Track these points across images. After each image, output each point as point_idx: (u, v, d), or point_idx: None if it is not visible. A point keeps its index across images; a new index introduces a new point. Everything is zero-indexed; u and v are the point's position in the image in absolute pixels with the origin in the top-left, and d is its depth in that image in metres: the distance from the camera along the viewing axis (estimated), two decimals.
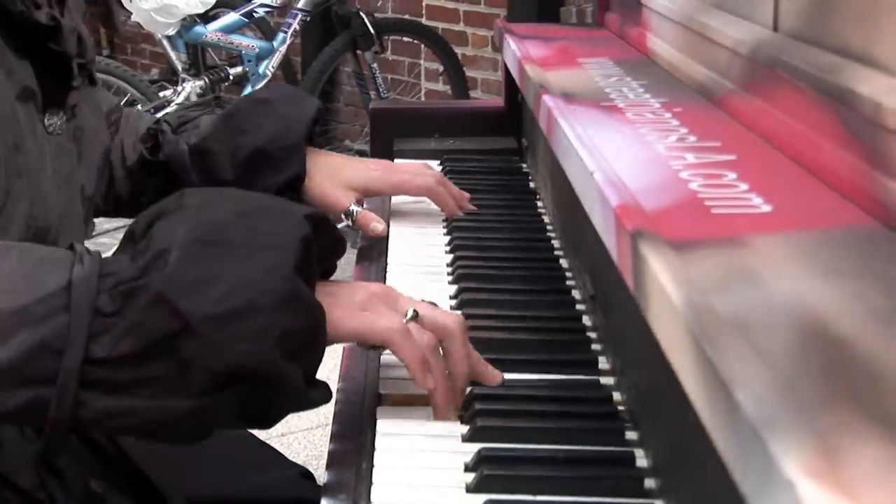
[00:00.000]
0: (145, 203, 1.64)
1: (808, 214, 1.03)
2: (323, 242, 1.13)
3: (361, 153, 5.65)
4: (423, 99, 5.72)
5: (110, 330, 1.02)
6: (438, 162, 2.17)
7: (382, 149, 2.26)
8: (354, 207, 1.70)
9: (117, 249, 1.12)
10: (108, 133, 1.62)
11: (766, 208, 1.04)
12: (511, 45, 2.05)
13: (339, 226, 1.70)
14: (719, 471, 0.70)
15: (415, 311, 1.16)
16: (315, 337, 1.07)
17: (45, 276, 1.04)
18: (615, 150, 1.25)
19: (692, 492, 0.95)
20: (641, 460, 1.11)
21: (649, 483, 1.07)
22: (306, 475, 1.69)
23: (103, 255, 1.10)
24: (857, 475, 0.57)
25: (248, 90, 5.24)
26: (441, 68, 5.45)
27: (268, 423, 1.09)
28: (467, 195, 1.84)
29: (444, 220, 1.79)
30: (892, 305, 0.81)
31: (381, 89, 5.38)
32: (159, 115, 2.08)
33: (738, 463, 0.65)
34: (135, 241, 1.09)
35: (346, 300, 1.15)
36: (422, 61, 5.72)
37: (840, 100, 1.09)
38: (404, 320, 1.15)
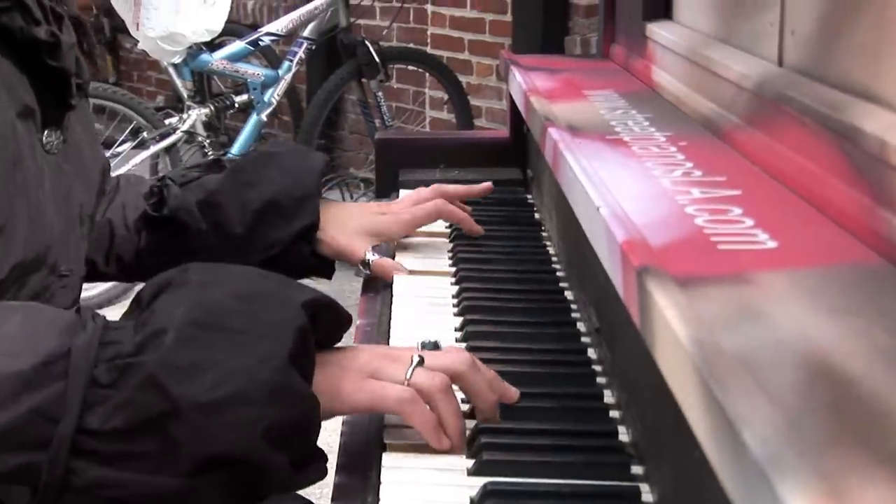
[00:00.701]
0: (149, 263, 1.66)
1: (813, 251, 1.03)
2: (326, 324, 1.14)
3: (366, 181, 5.66)
4: (427, 127, 5.74)
5: (105, 402, 1.02)
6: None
7: (387, 179, 2.27)
8: (370, 256, 1.70)
9: (125, 314, 1.14)
10: (101, 150, 1.61)
11: (772, 244, 1.03)
12: (517, 76, 2.05)
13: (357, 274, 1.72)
14: None
15: (420, 357, 1.15)
16: (306, 426, 1.08)
17: (46, 340, 1.05)
18: (621, 184, 1.25)
19: None
20: (647, 495, 1.10)
21: None
22: None
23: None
24: None
25: (253, 118, 5.25)
26: (446, 97, 5.46)
27: (257, 501, 1.10)
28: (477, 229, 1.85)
29: (449, 252, 1.79)
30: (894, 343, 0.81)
31: (385, 118, 5.39)
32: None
33: (745, 502, 0.65)
34: (138, 308, 1.11)
35: (352, 369, 1.14)
36: (426, 90, 5.73)
37: (845, 136, 1.09)
38: (410, 369, 1.14)
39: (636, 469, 1.15)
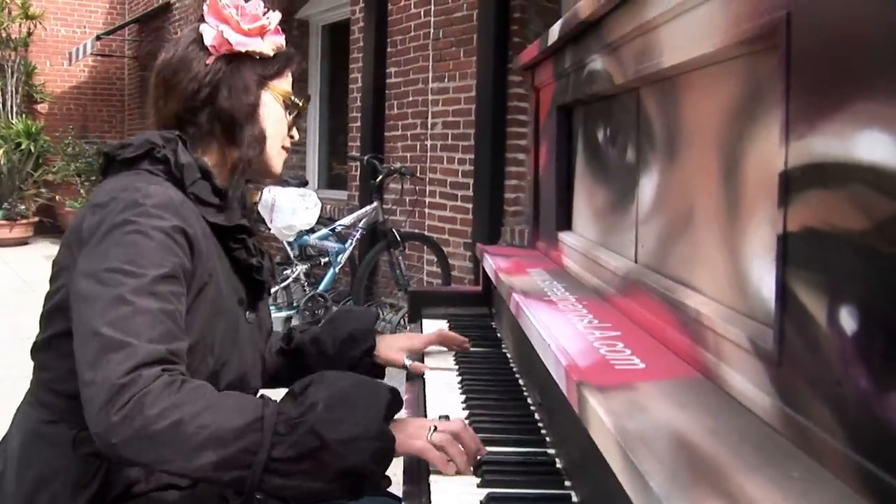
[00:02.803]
0: (283, 375, 1.64)
1: (665, 369, 1.03)
2: (395, 402, 1.15)
3: (390, 305, 5.67)
4: (424, 276, 5.74)
5: (283, 443, 1.05)
6: (446, 321, 2.15)
7: (416, 312, 2.24)
8: (407, 362, 1.68)
9: (283, 398, 1.13)
10: (270, 319, 1.60)
11: (642, 365, 1.04)
12: (489, 260, 2.05)
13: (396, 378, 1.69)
14: None
15: (434, 426, 1.17)
16: (390, 454, 1.10)
17: (249, 411, 1.06)
18: (557, 328, 1.25)
19: None
20: (574, 497, 1.10)
21: None
22: None
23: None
24: None
25: (331, 270, 5.25)
26: (435, 259, 5.48)
27: (360, 497, 1.11)
28: (464, 339, 1.82)
29: (454, 361, 1.76)
30: (716, 424, 0.82)
31: (402, 270, 5.39)
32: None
33: None
34: (294, 396, 1.12)
35: (403, 432, 1.15)
36: (424, 255, 5.75)
37: (674, 305, 1.11)
38: (429, 434, 1.16)
39: (567, 482, 1.15)
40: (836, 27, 0.71)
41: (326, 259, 5.32)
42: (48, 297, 1.27)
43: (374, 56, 6.26)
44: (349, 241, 5.33)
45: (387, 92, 6.31)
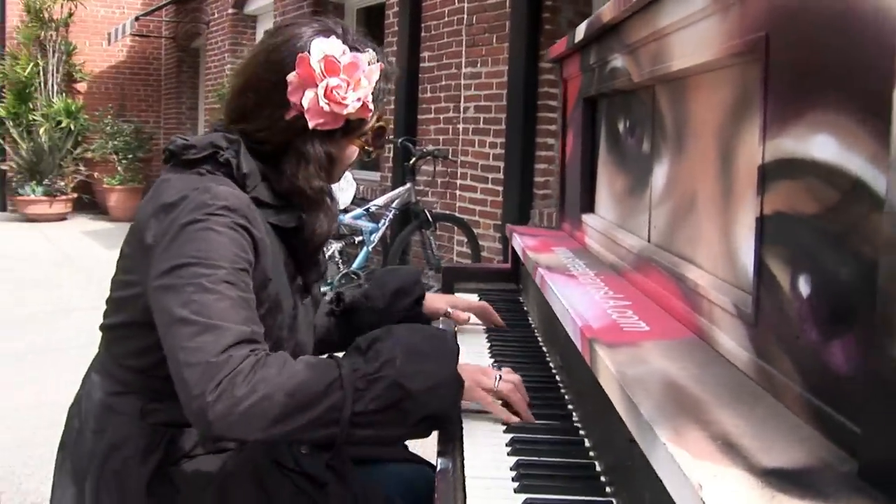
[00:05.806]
0: (334, 336, 1.72)
1: (666, 331, 1.18)
2: (458, 348, 1.27)
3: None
4: (454, 256, 5.90)
5: (363, 398, 1.15)
6: (477, 296, 2.27)
7: (448, 287, 2.36)
8: (449, 310, 1.82)
9: (346, 354, 1.22)
10: (319, 292, 1.64)
11: (647, 328, 1.19)
12: (517, 238, 2.19)
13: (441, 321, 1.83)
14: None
15: (499, 375, 1.31)
16: (460, 397, 1.23)
17: (327, 372, 1.16)
18: (576, 297, 1.39)
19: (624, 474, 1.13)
20: (585, 440, 1.27)
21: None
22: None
23: None
24: (690, 441, 0.78)
25: (364, 249, 5.40)
26: (465, 240, 5.62)
27: (428, 435, 1.22)
28: (501, 321, 1.93)
29: (484, 331, 1.90)
30: (701, 373, 0.98)
31: (434, 250, 5.54)
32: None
33: (642, 439, 0.83)
34: (362, 352, 1.21)
35: (472, 377, 1.27)
36: (455, 235, 5.89)
37: (679, 278, 1.27)
38: (496, 383, 1.29)
39: (581, 431, 1.30)
40: (805, 47, 0.88)
41: (360, 238, 5.48)
42: (117, 283, 1.36)
43: (408, 40, 6.42)
44: (382, 220, 5.49)
45: (420, 76, 6.46)
